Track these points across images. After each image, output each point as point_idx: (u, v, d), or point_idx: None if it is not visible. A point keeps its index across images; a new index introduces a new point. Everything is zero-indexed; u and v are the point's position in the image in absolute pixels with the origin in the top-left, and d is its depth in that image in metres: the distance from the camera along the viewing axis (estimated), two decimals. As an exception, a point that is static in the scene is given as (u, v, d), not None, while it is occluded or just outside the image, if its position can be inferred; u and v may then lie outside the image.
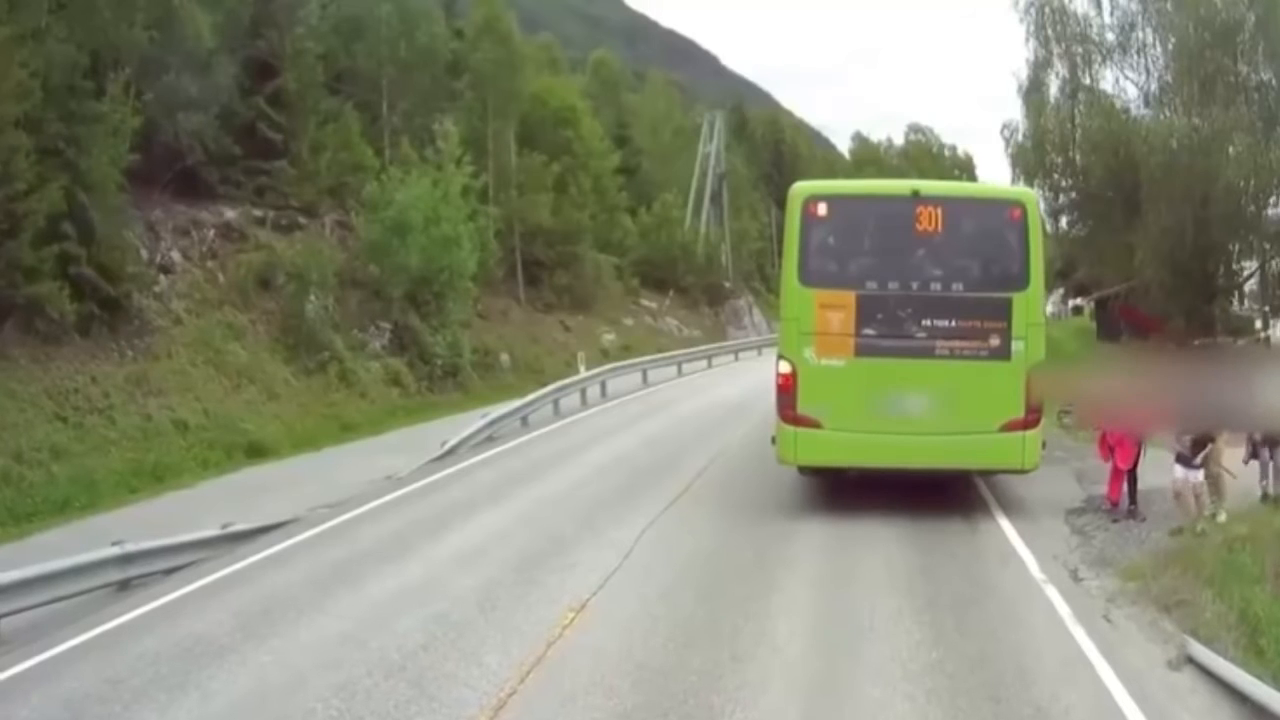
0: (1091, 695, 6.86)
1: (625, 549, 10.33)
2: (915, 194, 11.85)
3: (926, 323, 11.32)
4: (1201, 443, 10.73)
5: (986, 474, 12.76)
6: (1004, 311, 11.28)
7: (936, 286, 11.46)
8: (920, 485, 12.29)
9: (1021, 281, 11.42)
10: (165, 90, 24.60)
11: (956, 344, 11.30)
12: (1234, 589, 8.11)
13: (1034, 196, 13.97)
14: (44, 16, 19.43)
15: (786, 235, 12.05)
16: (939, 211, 11.55)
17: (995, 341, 11.26)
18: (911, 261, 11.61)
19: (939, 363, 11.28)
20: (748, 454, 15.20)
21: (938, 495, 12.25)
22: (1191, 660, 7.26)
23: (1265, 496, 11.37)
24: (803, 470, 12.49)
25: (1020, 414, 11.27)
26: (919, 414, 11.23)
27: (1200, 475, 10.81)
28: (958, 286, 11.47)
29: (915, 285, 11.47)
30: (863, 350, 11.36)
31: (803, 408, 11.49)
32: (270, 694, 7.04)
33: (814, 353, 11.45)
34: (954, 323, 11.32)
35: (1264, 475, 11.47)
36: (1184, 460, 10.74)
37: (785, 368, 11.63)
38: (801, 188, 12.18)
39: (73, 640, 8.36)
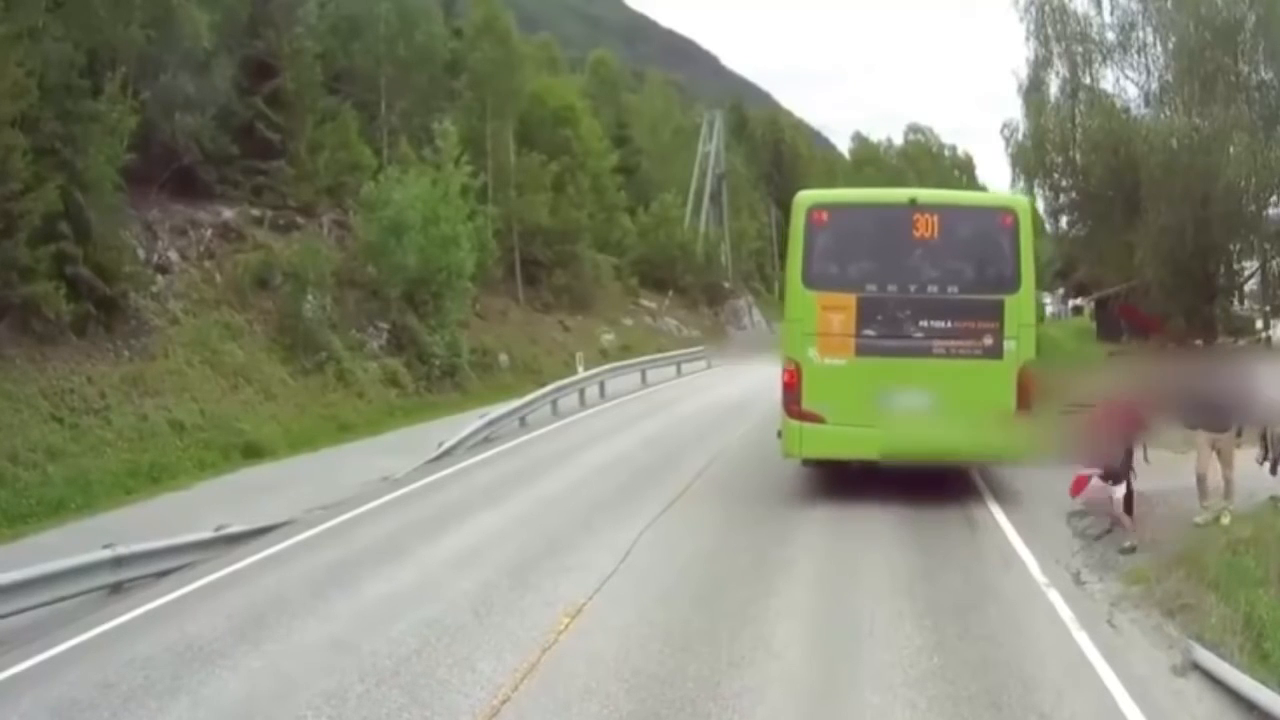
0: (1095, 701, 6.77)
1: (623, 552, 10.23)
2: (913, 202, 12.45)
3: (923, 323, 11.86)
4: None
5: (981, 466, 13.13)
6: (997, 313, 11.82)
7: (933, 289, 11.97)
8: (921, 486, 12.29)
9: (1013, 284, 11.96)
10: (163, 89, 24.52)
11: (952, 343, 11.84)
12: (1239, 592, 8.01)
13: (1026, 204, 14.36)
14: (41, 15, 19.29)
15: (790, 240, 12.66)
16: (935, 218, 12.14)
17: (988, 341, 11.80)
18: (909, 266, 12.13)
19: (935, 361, 11.81)
20: (747, 454, 15.16)
21: (938, 496, 12.23)
22: (1196, 665, 7.15)
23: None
24: (806, 462, 12.90)
25: (1012, 409, 11.65)
26: (916, 409, 11.64)
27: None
28: (953, 289, 11.99)
29: (913, 288, 11.99)
30: (863, 350, 11.90)
31: (807, 404, 12.02)
32: (260, 700, 6.94)
33: (817, 352, 12.01)
34: (949, 323, 11.87)
35: None
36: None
37: (790, 366, 12.15)
38: (805, 196, 12.87)
39: (65, 644, 8.26)
